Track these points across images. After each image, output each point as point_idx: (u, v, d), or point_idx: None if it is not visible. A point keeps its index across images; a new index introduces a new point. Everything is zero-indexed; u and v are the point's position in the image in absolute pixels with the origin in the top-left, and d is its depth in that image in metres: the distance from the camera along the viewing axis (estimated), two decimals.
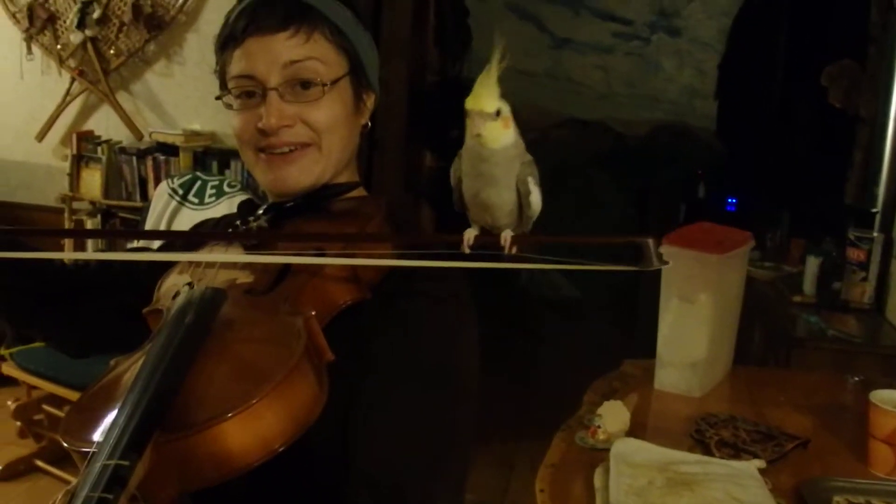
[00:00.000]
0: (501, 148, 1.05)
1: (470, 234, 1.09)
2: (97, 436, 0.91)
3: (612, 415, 1.89)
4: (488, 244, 1.08)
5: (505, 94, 1.01)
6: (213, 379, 0.96)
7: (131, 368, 1.02)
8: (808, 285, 3.46)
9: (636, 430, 1.90)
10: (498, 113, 1.02)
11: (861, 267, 3.26)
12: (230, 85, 1.23)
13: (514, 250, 1.07)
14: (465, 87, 1.01)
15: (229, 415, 0.89)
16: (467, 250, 1.08)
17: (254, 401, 0.90)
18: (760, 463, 1.75)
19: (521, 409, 4.47)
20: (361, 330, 1.11)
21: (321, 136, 1.21)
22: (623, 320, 5.57)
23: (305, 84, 1.20)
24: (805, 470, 1.76)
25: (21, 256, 1.24)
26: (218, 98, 1.26)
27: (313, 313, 1.03)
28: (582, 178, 6.32)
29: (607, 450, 1.76)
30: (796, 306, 3.37)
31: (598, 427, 1.87)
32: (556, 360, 5.16)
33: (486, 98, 1.01)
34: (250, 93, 1.21)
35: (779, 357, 3.12)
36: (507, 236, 1.08)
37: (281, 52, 1.18)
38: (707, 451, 1.82)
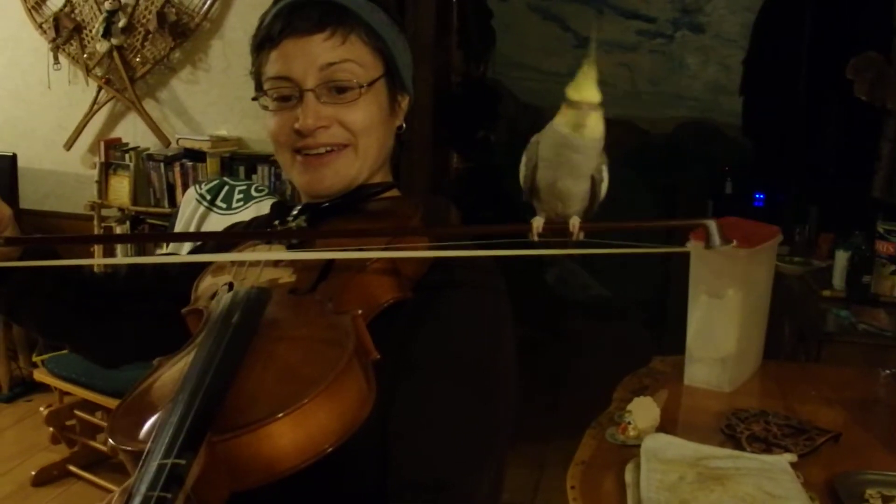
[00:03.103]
0: (598, 139, 1.07)
1: (539, 222, 1.09)
2: (149, 435, 0.90)
3: (643, 411, 1.89)
4: (556, 231, 1.09)
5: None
6: (263, 379, 0.96)
7: (176, 368, 1.03)
8: (838, 279, 3.45)
9: (666, 426, 1.90)
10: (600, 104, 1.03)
11: (891, 260, 3.24)
12: (266, 86, 1.23)
13: (581, 236, 1.08)
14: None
15: (280, 415, 0.88)
16: (536, 238, 1.09)
17: (305, 401, 0.89)
18: (792, 457, 1.75)
19: (552, 408, 4.47)
20: (402, 328, 1.11)
21: (357, 137, 1.22)
22: (652, 319, 5.56)
23: (342, 86, 1.20)
24: (837, 463, 1.75)
25: (57, 264, 1.25)
26: (254, 99, 1.27)
27: (360, 312, 1.02)
28: (609, 176, 6.30)
29: (638, 446, 1.76)
30: (826, 301, 3.36)
31: (629, 423, 1.87)
32: (586, 359, 5.15)
33: (592, 89, 1.02)
34: (286, 95, 1.21)
35: (809, 352, 3.11)
36: (575, 223, 1.08)
37: (318, 53, 1.19)
38: (738, 446, 1.82)
